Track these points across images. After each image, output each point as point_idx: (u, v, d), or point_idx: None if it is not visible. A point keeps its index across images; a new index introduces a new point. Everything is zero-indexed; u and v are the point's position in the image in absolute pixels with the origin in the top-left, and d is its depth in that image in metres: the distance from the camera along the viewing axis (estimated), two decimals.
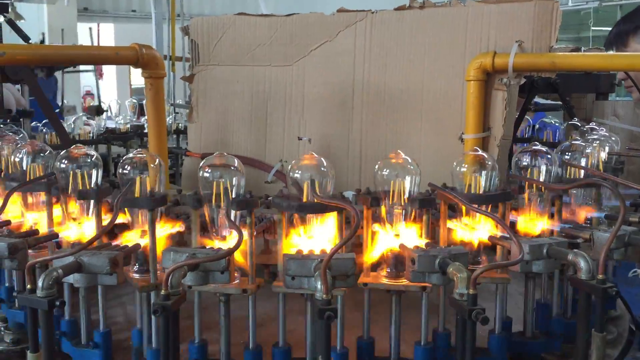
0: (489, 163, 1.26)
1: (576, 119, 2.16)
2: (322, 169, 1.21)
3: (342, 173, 2.09)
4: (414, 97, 2.05)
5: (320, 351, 0.99)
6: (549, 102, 2.70)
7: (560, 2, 1.82)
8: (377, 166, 1.26)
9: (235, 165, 1.25)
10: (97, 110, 3.42)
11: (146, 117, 2.20)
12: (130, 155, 1.29)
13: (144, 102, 2.78)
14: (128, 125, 2.94)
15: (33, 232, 1.27)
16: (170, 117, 3.24)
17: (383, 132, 2.11)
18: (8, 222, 1.31)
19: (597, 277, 1.06)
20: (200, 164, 1.27)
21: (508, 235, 1.14)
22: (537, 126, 2.44)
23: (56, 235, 1.26)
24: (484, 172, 1.25)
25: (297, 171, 1.21)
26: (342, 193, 1.42)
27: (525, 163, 1.32)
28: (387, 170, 1.24)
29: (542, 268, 1.16)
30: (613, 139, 1.66)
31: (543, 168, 1.29)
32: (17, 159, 1.39)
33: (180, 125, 3.05)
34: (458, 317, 1.01)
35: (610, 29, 2.87)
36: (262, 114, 2.28)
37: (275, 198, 1.21)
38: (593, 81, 2.44)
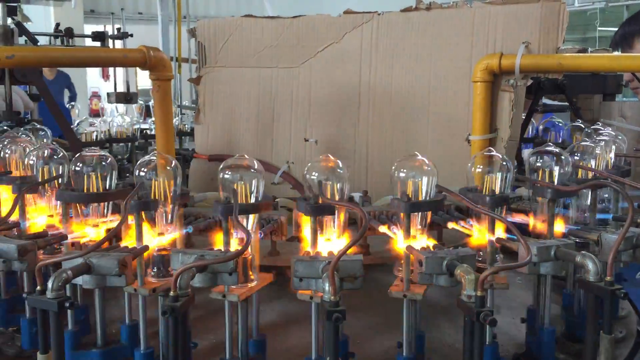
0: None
1: (579, 121, 2.15)
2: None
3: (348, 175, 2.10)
4: (420, 99, 2.05)
5: (328, 353, 0.99)
6: (556, 103, 2.70)
7: (567, 3, 1.82)
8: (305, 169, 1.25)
9: (172, 165, 1.27)
10: (126, 97, 3.11)
11: (153, 118, 2.21)
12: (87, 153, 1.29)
13: (150, 103, 2.80)
14: (135, 127, 2.95)
15: (42, 234, 1.28)
16: (177, 118, 3.25)
17: (389, 134, 2.12)
18: (17, 224, 1.32)
19: (605, 279, 1.06)
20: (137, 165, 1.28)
21: (515, 237, 1.14)
22: (541, 127, 2.44)
23: (65, 237, 1.26)
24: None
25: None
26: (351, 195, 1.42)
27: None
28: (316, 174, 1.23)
29: (550, 270, 1.16)
30: (620, 137, 1.66)
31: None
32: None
33: (186, 126, 3.06)
34: (466, 319, 1.01)
35: (616, 29, 2.87)
36: (269, 116, 2.29)
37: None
38: (600, 82, 2.44)
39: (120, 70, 3.85)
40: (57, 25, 3.36)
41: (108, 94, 3.25)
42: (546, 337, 1.23)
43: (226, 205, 1.15)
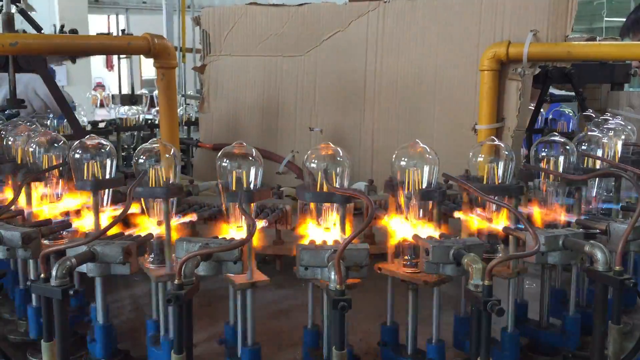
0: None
1: (590, 110, 2.13)
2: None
3: (354, 164, 2.07)
4: (426, 88, 2.04)
5: (334, 341, 0.98)
6: (562, 92, 2.68)
7: None
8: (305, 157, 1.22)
9: (172, 152, 1.26)
10: (131, 100, 3.09)
11: (157, 108, 2.20)
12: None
13: (154, 93, 2.79)
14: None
15: (46, 222, 1.27)
16: (181, 108, 3.24)
17: (395, 123, 2.10)
18: (21, 212, 1.31)
19: (614, 269, 1.04)
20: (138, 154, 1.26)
21: (523, 226, 1.13)
22: (550, 116, 2.42)
23: (69, 225, 1.26)
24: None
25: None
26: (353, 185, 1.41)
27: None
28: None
29: (558, 259, 1.15)
30: (629, 127, 1.64)
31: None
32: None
33: (191, 116, 3.05)
34: (473, 309, 1.00)
35: (623, 19, 2.85)
36: (274, 105, 2.27)
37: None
38: (608, 71, 2.42)
39: (124, 62, 3.84)
40: (62, 27, 3.36)
41: (113, 96, 3.24)
42: (570, 325, 1.22)
43: (233, 194, 1.14)
